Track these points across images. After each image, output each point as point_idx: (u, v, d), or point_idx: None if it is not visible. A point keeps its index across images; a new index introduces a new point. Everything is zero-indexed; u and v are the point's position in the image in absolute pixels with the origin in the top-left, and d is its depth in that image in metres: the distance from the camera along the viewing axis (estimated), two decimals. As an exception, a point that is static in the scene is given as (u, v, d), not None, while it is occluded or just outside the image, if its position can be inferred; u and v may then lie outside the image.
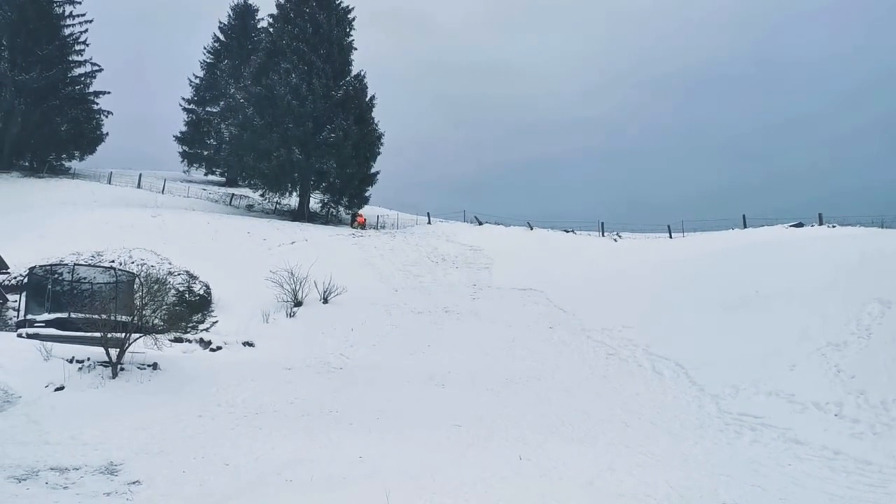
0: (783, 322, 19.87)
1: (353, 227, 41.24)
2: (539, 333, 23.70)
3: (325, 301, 27.54)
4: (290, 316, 26.25)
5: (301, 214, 46.69)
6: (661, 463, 13.81)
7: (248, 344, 23.58)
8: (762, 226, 36.06)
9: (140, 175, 52.93)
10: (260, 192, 48.23)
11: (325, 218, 47.16)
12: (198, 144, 60.68)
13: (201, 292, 27.42)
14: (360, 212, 45.24)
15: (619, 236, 39.36)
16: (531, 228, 40.82)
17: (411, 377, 20.09)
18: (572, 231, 41.19)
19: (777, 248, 27.11)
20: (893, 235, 28.86)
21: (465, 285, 30.10)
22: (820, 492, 11.90)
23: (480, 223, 43.37)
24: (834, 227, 33.38)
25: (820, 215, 35.18)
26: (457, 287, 29.95)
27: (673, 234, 38.34)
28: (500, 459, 14.18)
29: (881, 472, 12.55)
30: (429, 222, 46.42)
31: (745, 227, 37.00)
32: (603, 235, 40.06)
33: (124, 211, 38.69)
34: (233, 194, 52.29)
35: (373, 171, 48.15)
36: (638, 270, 28.38)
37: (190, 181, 56.99)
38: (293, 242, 35.75)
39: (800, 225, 34.98)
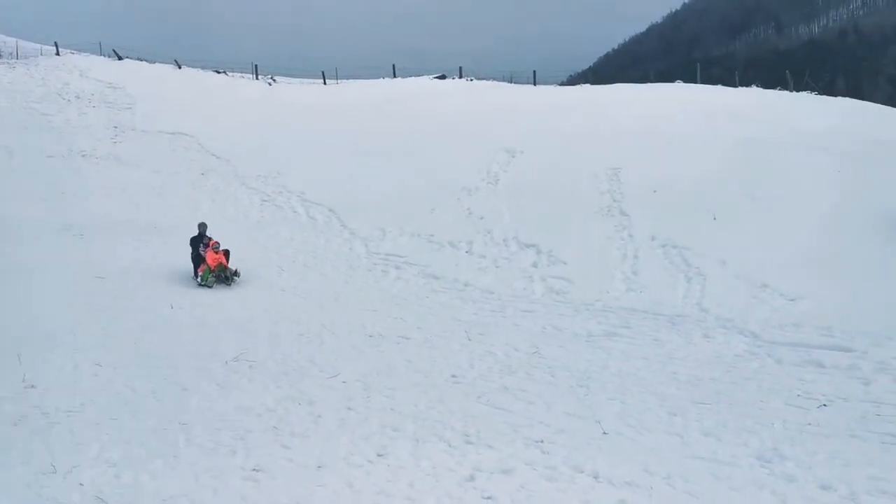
0: (426, 169, 21.36)
1: None
2: (190, 180, 22.81)
3: (-71, 142, 23.46)
4: None
5: None
6: (314, 302, 14.49)
7: None
8: (410, 76, 37.65)
9: None
10: None
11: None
12: None
13: None
14: None
15: (274, 80, 38.48)
16: (179, 67, 38.15)
17: (44, 228, 18.30)
18: (224, 73, 39.31)
19: (424, 98, 28.65)
20: (522, 90, 32.10)
21: (105, 127, 27.55)
22: (451, 319, 13.46)
23: (120, 58, 39.36)
24: (472, 80, 35.99)
25: (460, 68, 37.62)
26: (95, 129, 27.30)
27: (327, 81, 38.48)
28: (149, 308, 13.81)
29: (500, 300, 14.51)
30: (57, 53, 40.88)
31: (394, 76, 38.33)
32: (257, 79, 38.82)
33: None
34: None
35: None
36: (293, 116, 28.24)
37: None
38: None
39: (443, 77, 37.16)
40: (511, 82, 36.30)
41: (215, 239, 16.33)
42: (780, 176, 17.58)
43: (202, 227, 16.99)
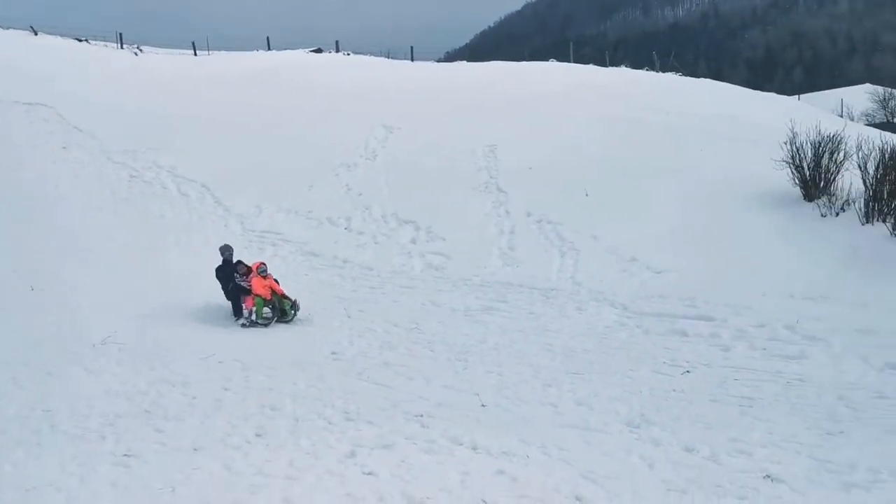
0: (303, 144, 20.96)
1: None
2: (50, 154, 21.40)
3: None
4: None
5: None
6: (181, 283, 14.02)
7: None
8: (285, 49, 36.76)
9: None
10: None
11: None
12: None
13: None
14: None
15: (141, 50, 36.63)
16: (35, 34, 35.68)
17: None
18: (86, 41, 37.07)
19: (300, 72, 28.06)
20: (399, 65, 31.99)
21: (-48, 96, 25.45)
22: (330, 296, 13.40)
23: (-33, 22, 36.41)
24: (349, 54, 35.55)
25: (337, 42, 37.08)
26: (-60, 98, 25.17)
27: (198, 52, 37.00)
28: (7, 290, 13.01)
29: (379, 276, 14.52)
30: None
31: (269, 49, 37.32)
32: (122, 48, 36.85)
33: None
34: None
35: None
36: (162, 88, 27.03)
37: None
38: None
39: (319, 51, 36.51)
40: (388, 58, 36.09)
41: (257, 260, 13.10)
42: (650, 154, 18.32)
43: (227, 251, 13.35)
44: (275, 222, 17.22)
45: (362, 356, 10.40)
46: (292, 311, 12.34)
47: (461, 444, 7.30)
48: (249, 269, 12.78)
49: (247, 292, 12.43)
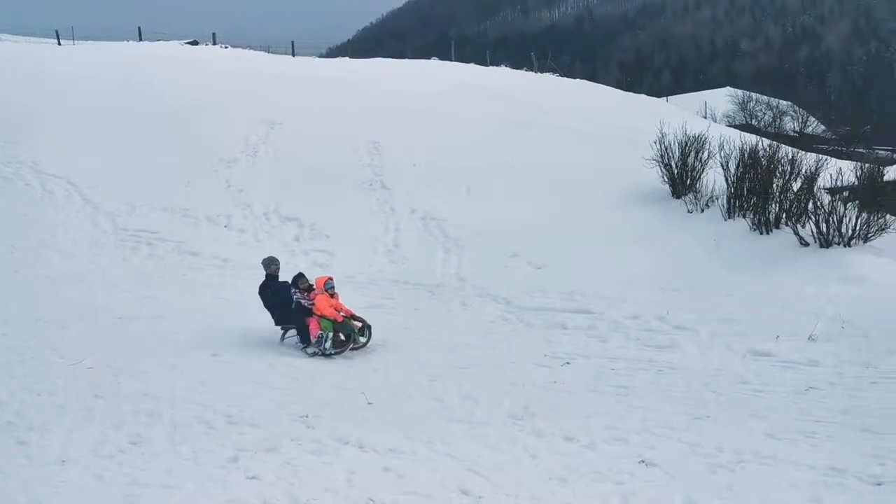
0: (180, 139, 20.17)
1: None
2: None
3: None
4: None
5: None
6: (53, 283, 13.30)
7: None
8: (158, 40, 35.36)
9: None
10: None
11: None
12: None
13: None
14: None
15: (-3, 39, 34.38)
16: None
17: None
18: (-66, 25, 34.48)
19: (175, 65, 27.05)
20: (280, 60, 31.38)
21: None
22: (211, 296, 12.98)
23: None
24: (227, 47, 34.57)
25: (214, 35, 36.02)
26: None
27: (62, 41, 35.05)
28: None
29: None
30: None
31: (140, 40, 35.80)
32: (-25, 35, 34.50)
33: None
34: None
35: None
36: (22, 78, 25.38)
37: None
38: None
39: (195, 43, 35.35)
40: (268, 52, 35.35)
41: (323, 275, 11.12)
42: (529, 151, 18.72)
43: (273, 264, 11.23)
44: (149, 221, 16.50)
45: (245, 357, 10.15)
46: (363, 337, 10.52)
47: (348, 443, 7.25)
48: (311, 286, 10.86)
49: (308, 313, 10.55)
